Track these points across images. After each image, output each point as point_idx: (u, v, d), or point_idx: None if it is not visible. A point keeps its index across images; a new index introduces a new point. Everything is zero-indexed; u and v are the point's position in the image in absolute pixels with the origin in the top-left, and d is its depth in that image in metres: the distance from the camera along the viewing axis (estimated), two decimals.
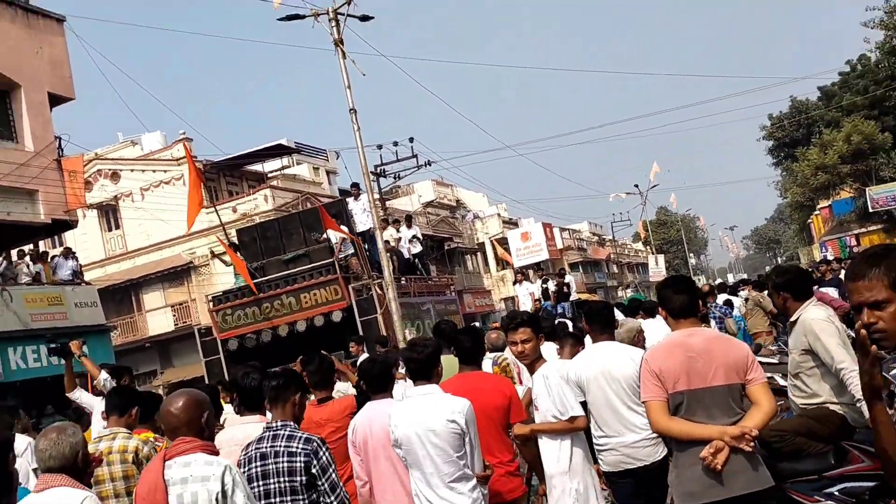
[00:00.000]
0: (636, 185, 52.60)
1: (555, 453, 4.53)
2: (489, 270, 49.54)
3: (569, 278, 22.41)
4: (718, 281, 68.17)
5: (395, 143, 31.11)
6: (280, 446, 3.92)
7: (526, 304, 21.57)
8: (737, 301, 13.34)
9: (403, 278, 16.88)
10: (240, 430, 4.66)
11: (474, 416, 4.18)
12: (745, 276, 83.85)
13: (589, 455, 4.68)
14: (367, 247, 16.08)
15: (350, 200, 17.20)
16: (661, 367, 3.75)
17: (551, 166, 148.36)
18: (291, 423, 4.09)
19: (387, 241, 16.61)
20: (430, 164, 31.63)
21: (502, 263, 47.96)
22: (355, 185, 17.47)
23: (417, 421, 4.15)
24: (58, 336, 8.64)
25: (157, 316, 32.51)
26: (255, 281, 14.83)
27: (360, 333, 13.40)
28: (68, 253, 19.89)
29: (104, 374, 7.35)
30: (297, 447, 3.90)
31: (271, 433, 4.02)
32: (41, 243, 22.10)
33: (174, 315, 32.38)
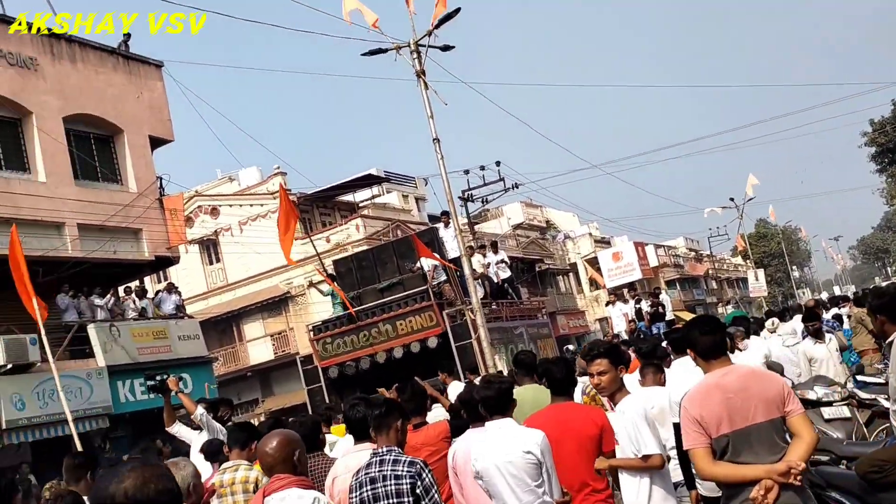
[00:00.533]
0: (731, 199, 51.14)
1: (634, 489, 4.47)
2: (582, 291, 49.01)
3: (664, 297, 21.95)
4: (824, 294, 65.48)
5: (482, 168, 31.26)
6: (387, 470, 4.14)
7: (620, 326, 21.23)
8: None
9: (494, 303, 17.00)
10: (353, 458, 4.83)
11: (549, 447, 4.32)
12: (852, 287, 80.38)
13: (671, 491, 4.55)
14: (458, 273, 16.35)
15: (440, 227, 17.45)
16: (701, 412, 3.65)
17: (643, 183, 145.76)
18: (396, 448, 4.30)
19: (474, 270, 16.79)
20: (517, 187, 31.64)
21: (595, 284, 47.37)
22: (445, 213, 17.57)
23: (495, 453, 4.34)
24: (162, 370, 8.98)
25: (257, 345, 33.44)
26: (356, 309, 15.23)
27: (456, 358, 13.84)
28: (171, 288, 20.72)
29: (200, 409, 7.60)
30: (403, 470, 4.12)
31: (378, 458, 4.24)
32: (146, 280, 23.09)
33: (273, 344, 33.24)
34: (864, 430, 7.14)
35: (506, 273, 18.65)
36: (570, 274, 48.37)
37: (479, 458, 4.42)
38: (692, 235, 74.06)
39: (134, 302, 19.46)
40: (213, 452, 6.24)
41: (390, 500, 4.07)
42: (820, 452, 6.08)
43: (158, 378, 8.00)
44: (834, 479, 4.87)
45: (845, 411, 7.18)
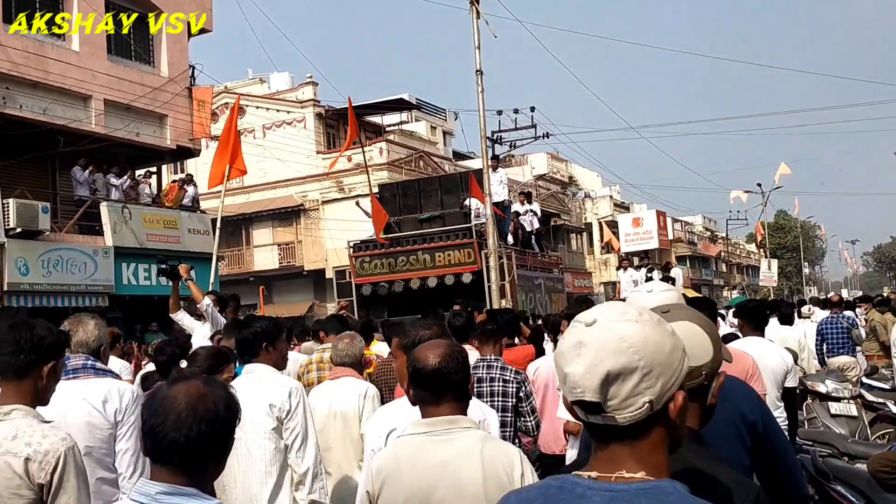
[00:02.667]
0: (759, 185, 50.42)
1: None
2: (593, 252, 48.75)
3: (675, 272, 21.71)
4: (832, 294, 65.04)
5: (516, 111, 30.67)
6: (495, 373, 4.83)
7: (627, 291, 21.06)
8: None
9: (524, 252, 17.57)
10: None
11: None
12: (859, 293, 79.94)
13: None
14: (503, 217, 17.01)
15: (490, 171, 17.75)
16: None
17: (673, 154, 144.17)
18: (501, 359, 5.03)
19: (516, 213, 17.70)
20: (547, 137, 31.08)
21: (607, 247, 47.09)
22: (495, 157, 18.38)
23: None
24: (168, 258, 8.86)
25: (263, 252, 33.44)
26: (392, 235, 15.90)
27: (487, 296, 14.67)
28: (189, 180, 20.56)
29: (207, 300, 7.48)
30: (510, 376, 4.84)
31: (485, 363, 4.90)
32: (163, 168, 22.95)
33: (280, 254, 33.23)
34: (868, 430, 7.01)
35: (535, 224, 19.10)
36: (584, 233, 48.07)
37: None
38: (711, 215, 73.60)
39: (150, 186, 19.34)
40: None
41: (496, 398, 4.68)
42: (823, 446, 5.99)
43: (171, 263, 7.87)
44: (840, 472, 4.75)
45: (852, 409, 7.05)
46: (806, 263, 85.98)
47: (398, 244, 15.77)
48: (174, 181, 20.99)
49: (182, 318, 7.80)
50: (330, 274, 31.90)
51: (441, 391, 2.56)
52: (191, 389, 1.89)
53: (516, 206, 18.88)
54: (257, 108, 34.11)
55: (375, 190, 18.19)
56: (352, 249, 16.58)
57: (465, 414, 2.62)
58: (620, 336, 1.36)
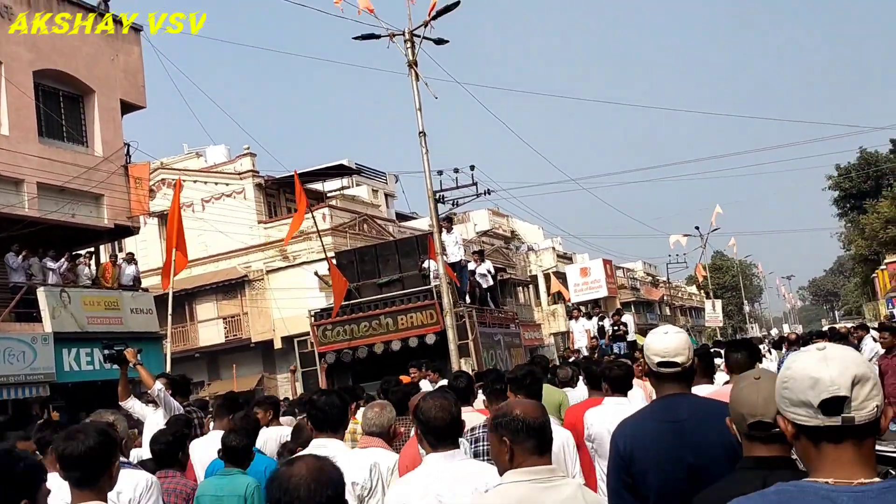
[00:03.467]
0: (697, 228, 51.59)
1: None
2: (540, 304, 48.95)
3: (627, 318, 21.85)
4: (774, 331, 66.31)
5: (456, 171, 30.77)
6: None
7: (581, 341, 21.07)
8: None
9: (482, 309, 17.79)
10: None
11: None
12: (800, 327, 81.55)
13: None
14: (459, 277, 17.24)
15: (443, 232, 17.84)
16: None
17: (611, 202, 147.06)
18: None
19: (472, 272, 18.08)
20: (489, 193, 31.16)
21: (553, 297, 47.34)
22: (448, 219, 18.77)
23: (610, 421, 4.29)
24: (114, 342, 8.48)
25: (208, 327, 32.70)
26: (353, 302, 16.13)
27: (451, 356, 14.88)
28: (131, 259, 20.04)
29: (159, 385, 7.14)
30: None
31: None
32: (101, 248, 22.36)
33: (225, 327, 32.52)
34: None
35: (489, 282, 19.26)
36: (530, 286, 48.30)
37: (592, 424, 5.00)
38: (650, 260, 74.84)
39: (89, 268, 18.77)
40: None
41: None
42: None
43: (117, 348, 7.51)
44: None
45: None
46: (746, 301, 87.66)
47: (359, 310, 15.94)
48: (110, 259, 20.38)
49: (133, 405, 7.41)
50: (279, 344, 31.32)
51: (545, 443, 2.75)
52: (309, 465, 2.22)
53: (471, 266, 19.09)
54: (195, 181, 33.68)
55: (328, 255, 18.47)
56: (313, 318, 16.58)
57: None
58: (854, 355, 1.74)
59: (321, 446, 3.89)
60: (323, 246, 21.73)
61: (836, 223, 59.53)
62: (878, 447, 5.24)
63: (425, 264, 16.52)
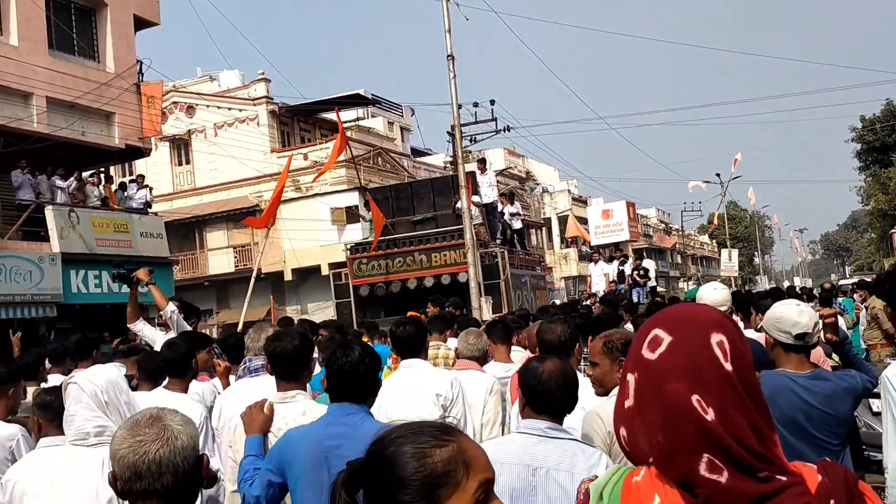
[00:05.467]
0: (718, 175, 50.52)
1: None
2: (552, 247, 48.39)
3: (648, 263, 21.32)
4: (786, 284, 65.65)
5: (476, 105, 29.99)
6: None
7: (599, 285, 20.53)
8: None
9: (512, 250, 17.98)
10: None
11: None
12: (809, 281, 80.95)
13: None
14: (489, 218, 17.86)
15: (477, 173, 18.26)
16: None
17: (628, 144, 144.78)
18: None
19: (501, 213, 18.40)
20: (508, 130, 30.46)
21: (566, 241, 46.73)
22: (482, 161, 19.09)
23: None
24: (123, 262, 7.96)
25: (218, 255, 32.31)
26: (388, 237, 16.39)
27: (473, 295, 15.13)
28: (141, 181, 19.47)
29: (171, 307, 6.61)
30: None
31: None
32: (111, 170, 21.80)
33: (235, 257, 32.12)
34: None
35: (518, 224, 19.40)
36: (543, 228, 47.70)
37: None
38: (664, 207, 73.93)
39: (98, 189, 18.23)
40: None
41: None
42: (871, 448, 5.40)
43: (127, 267, 6.97)
44: None
45: None
46: (756, 253, 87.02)
47: (394, 245, 16.26)
48: (107, 183, 19.75)
49: (142, 328, 6.89)
50: (289, 276, 30.93)
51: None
52: (556, 364, 2.93)
53: (500, 207, 19.14)
54: (208, 106, 32.94)
55: (367, 190, 19.47)
56: (349, 252, 17.10)
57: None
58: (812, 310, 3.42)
59: (407, 366, 4.46)
60: (360, 178, 23.20)
61: (856, 176, 58.30)
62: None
63: (459, 204, 16.65)
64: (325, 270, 29.62)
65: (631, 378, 1.42)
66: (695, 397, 1.32)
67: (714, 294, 4.18)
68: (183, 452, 1.95)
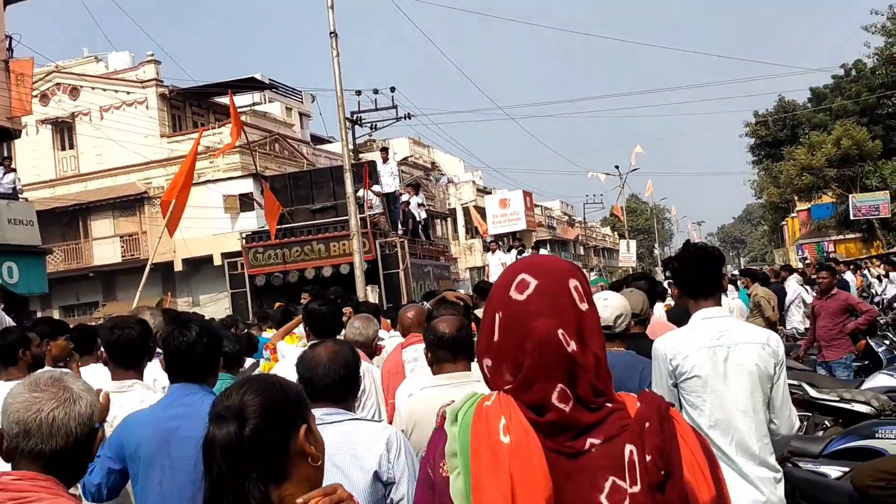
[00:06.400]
0: (616, 167, 51.30)
1: None
2: (458, 238, 48.19)
3: (545, 252, 21.17)
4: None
5: (376, 91, 29.37)
6: None
7: (496, 274, 20.30)
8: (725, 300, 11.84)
9: (414, 240, 18.07)
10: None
11: None
12: None
13: None
14: (390, 208, 18.10)
15: (378, 162, 18.44)
16: None
17: (530, 136, 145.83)
18: None
19: (405, 202, 18.44)
20: (409, 118, 29.99)
21: (471, 231, 46.61)
22: (384, 150, 19.40)
23: None
24: None
25: (103, 245, 30.70)
26: (285, 226, 16.22)
27: (381, 284, 15.51)
28: (6, 164, 18.09)
29: None
30: None
31: None
32: None
33: (122, 246, 30.60)
34: (804, 424, 6.25)
35: (423, 214, 19.40)
36: (448, 219, 47.42)
37: None
38: (567, 199, 74.91)
39: None
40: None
41: None
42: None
43: None
44: (811, 487, 3.85)
45: None
46: (657, 244, 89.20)
47: (291, 234, 16.14)
48: None
49: None
50: (179, 266, 29.67)
51: (457, 351, 3.33)
52: (328, 348, 2.89)
53: (405, 197, 19.13)
54: (93, 88, 31.27)
55: (263, 178, 19.03)
56: (245, 241, 16.89)
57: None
58: (617, 300, 3.84)
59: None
60: (256, 165, 22.27)
61: (749, 171, 60.18)
62: (821, 396, 4.50)
63: (359, 193, 16.59)
64: (217, 260, 28.53)
65: (497, 315, 1.59)
66: (560, 331, 1.52)
67: (604, 309, 3.62)
68: (79, 418, 1.88)
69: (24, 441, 1.84)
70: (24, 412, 1.85)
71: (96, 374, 4.18)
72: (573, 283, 1.58)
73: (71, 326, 5.29)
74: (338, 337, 5.67)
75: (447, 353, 3.31)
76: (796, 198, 45.15)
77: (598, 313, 1.62)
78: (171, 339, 3.15)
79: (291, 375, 4.01)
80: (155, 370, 4.39)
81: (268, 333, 8.32)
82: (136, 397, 3.45)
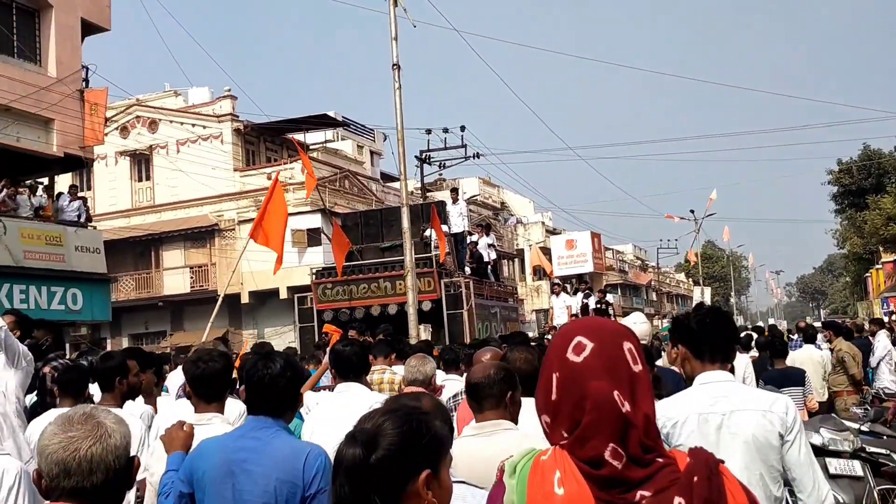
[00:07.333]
0: (692, 211, 50.11)
1: None
2: (524, 279, 47.56)
3: (611, 297, 20.48)
4: (759, 323, 64.99)
5: (446, 130, 29.33)
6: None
7: (561, 318, 19.72)
8: (818, 352, 10.99)
9: (482, 281, 18.22)
10: None
11: None
12: (784, 323, 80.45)
13: None
14: (458, 248, 18.14)
15: (448, 202, 18.59)
16: None
17: (604, 178, 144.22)
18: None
19: (474, 243, 18.81)
20: (478, 157, 29.79)
21: (538, 273, 45.95)
22: (454, 190, 19.71)
23: None
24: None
25: (174, 275, 31.15)
26: (354, 263, 16.54)
27: (445, 324, 15.64)
28: (73, 192, 18.40)
29: (0, 322, 5.59)
30: None
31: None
32: (56, 180, 20.73)
33: (192, 277, 30.97)
34: (875, 495, 5.53)
35: (493, 255, 19.52)
36: (516, 260, 46.89)
37: None
38: (641, 244, 73.56)
39: (31, 198, 17.18)
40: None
41: None
42: None
43: None
44: None
45: (857, 468, 5.55)
46: (732, 293, 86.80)
47: (360, 272, 16.42)
48: (58, 193, 18.73)
49: None
50: (246, 298, 29.82)
51: (482, 399, 3.17)
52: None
53: (474, 237, 19.38)
54: (171, 122, 32.01)
55: (333, 217, 19.91)
56: (314, 276, 17.17)
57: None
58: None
59: (342, 390, 4.36)
60: (324, 201, 22.72)
61: (831, 220, 58.08)
62: (869, 448, 3.94)
63: (427, 232, 16.88)
64: (283, 294, 28.58)
65: (555, 376, 1.68)
66: (615, 392, 1.61)
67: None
68: (115, 451, 1.93)
69: (64, 480, 1.88)
70: (63, 452, 1.89)
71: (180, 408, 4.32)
72: (627, 345, 1.67)
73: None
74: (366, 377, 5.40)
75: (472, 401, 3.21)
76: (881, 248, 43.18)
77: (650, 375, 1.69)
78: (255, 371, 3.09)
79: (318, 432, 4.03)
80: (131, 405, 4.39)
81: (313, 367, 8.04)
82: (214, 431, 3.40)
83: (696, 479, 1.56)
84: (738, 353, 7.83)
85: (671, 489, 1.56)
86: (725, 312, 3.25)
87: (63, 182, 22.70)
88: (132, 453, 2.04)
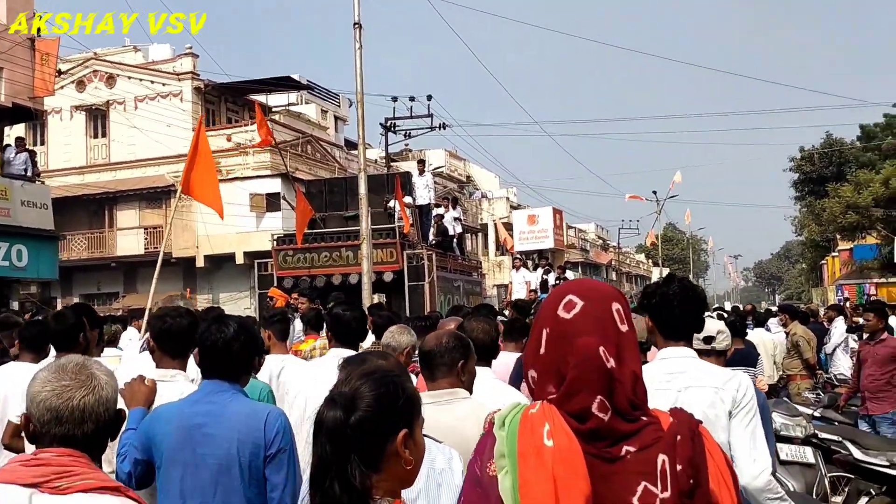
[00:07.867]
0: (654, 192, 50.25)
1: None
2: (487, 254, 47.40)
3: (570, 274, 20.37)
4: (715, 306, 65.64)
5: (412, 98, 28.92)
6: None
7: (520, 293, 19.54)
8: (769, 335, 10.90)
9: (445, 254, 18.16)
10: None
11: None
12: (740, 307, 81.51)
13: None
14: (422, 220, 18.00)
15: (414, 174, 18.58)
16: None
17: (565, 154, 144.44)
18: None
19: (440, 216, 18.68)
20: (444, 128, 29.43)
21: (502, 249, 45.84)
22: (422, 161, 19.66)
23: None
24: None
25: (127, 236, 30.41)
26: (316, 231, 16.41)
27: (406, 295, 15.60)
28: (20, 144, 17.72)
29: None
30: None
31: None
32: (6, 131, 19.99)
33: (146, 238, 30.27)
34: (826, 483, 5.38)
35: (458, 229, 19.59)
36: (479, 234, 46.69)
37: None
38: (603, 223, 73.85)
39: None
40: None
41: None
42: None
43: None
44: None
45: (808, 454, 5.40)
46: (691, 275, 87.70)
47: (322, 240, 16.33)
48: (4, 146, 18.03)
49: None
50: (201, 262, 29.26)
51: (434, 368, 3.16)
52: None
53: (440, 210, 19.27)
54: (129, 77, 31.09)
55: (295, 183, 19.24)
56: (275, 242, 16.98)
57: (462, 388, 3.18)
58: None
59: (338, 355, 4.16)
60: (286, 165, 21.86)
61: (791, 206, 58.75)
62: (867, 459, 3.77)
63: (391, 203, 16.76)
64: (239, 258, 28.10)
65: (544, 331, 1.75)
66: (601, 348, 1.67)
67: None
68: (106, 404, 1.98)
69: (55, 427, 1.92)
70: (56, 400, 1.92)
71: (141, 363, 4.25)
72: (616, 306, 1.74)
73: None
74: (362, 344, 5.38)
75: (425, 369, 3.19)
76: (838, 237, 43.73)
77: (636, 334, 1.76)
78: (209, 335, 3.08)
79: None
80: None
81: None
82: (177, 388, 3.40)
83: (679, 437, 1.62)
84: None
85: (655, 446, 1.62)
86: (694, 287, 3.11)
87: (14, 134, 21.93)
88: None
